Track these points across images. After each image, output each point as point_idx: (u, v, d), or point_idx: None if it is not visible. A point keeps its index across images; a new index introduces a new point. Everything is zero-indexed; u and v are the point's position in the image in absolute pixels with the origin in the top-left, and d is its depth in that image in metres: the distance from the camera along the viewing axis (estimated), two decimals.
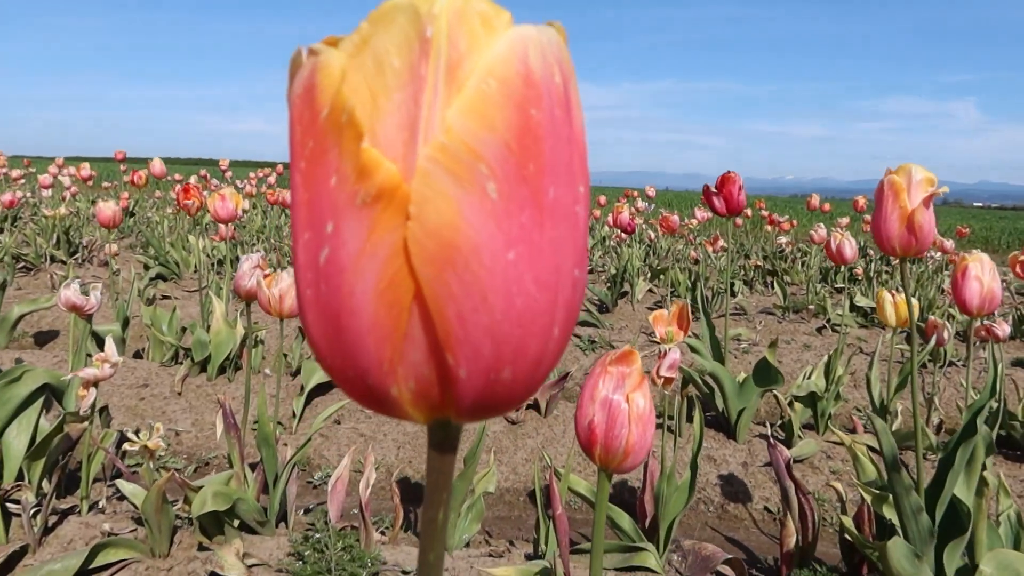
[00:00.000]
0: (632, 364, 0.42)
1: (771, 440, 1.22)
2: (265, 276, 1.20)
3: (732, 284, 4.17)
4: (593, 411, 0.41)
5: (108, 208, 1.94)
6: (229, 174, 7.87)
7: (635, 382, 0.41)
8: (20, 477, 1.23)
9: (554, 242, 0.17)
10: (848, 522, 1.11)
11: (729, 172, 1.66)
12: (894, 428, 1.83)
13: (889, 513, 1.05)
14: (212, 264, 3.64)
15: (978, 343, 2.88)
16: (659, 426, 1.79)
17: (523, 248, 0.16)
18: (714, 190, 1.70)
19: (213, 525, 1.14)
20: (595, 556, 0.43)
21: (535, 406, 1.99)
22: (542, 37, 0.16)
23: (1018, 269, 1.55)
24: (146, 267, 3.49)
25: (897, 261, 3.58)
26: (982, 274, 1.16)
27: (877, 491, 1.06)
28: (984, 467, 1.38)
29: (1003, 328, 1.98)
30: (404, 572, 1.16)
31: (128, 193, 5.56)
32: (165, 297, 3.09)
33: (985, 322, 1.98)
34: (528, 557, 1.30)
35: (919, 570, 0.98)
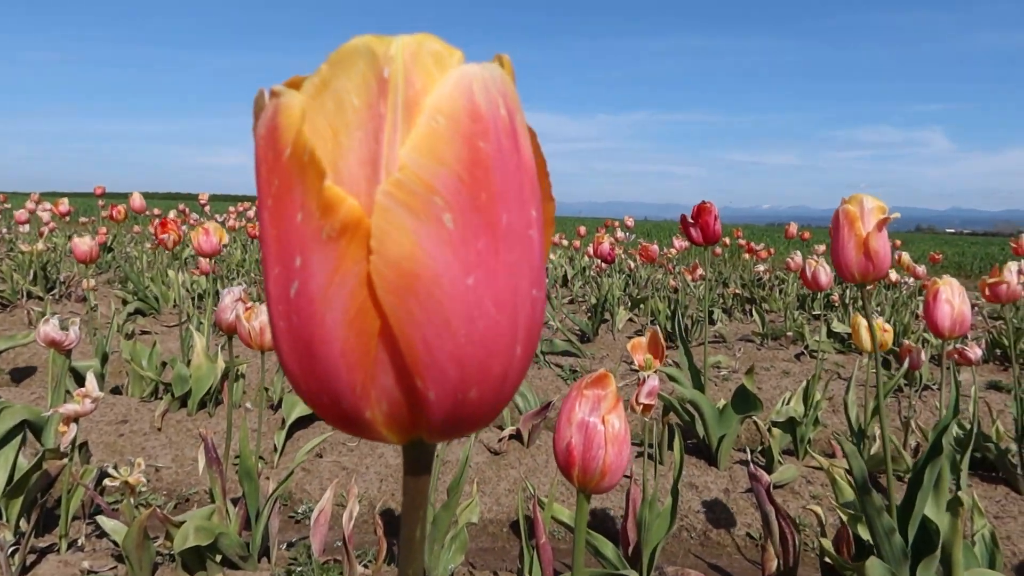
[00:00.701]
0: (607, 387, 0.43)
1: (751, 467, 1.24)
2: (246, 309, 1.21)
3: (711, 312, 4.21)
4: (570, 433, 0.42)
5: (84, 243, 1.93)
6: (208, 208, 7.86)
7: (610, 404, 0.42)
8: None
9: (510, 265, 0.18)
10: (827, 544, 1.12)
11: (704, 202, 1.69)
12: (872, 451, 1.85)
13: (865, 534, 1.07)
14: (192, 298, 3.63)
15: (952, 366, 2.93)
16: (640, 454, 1.80)
17: (481, 273, 0.17)
18: (691, 220, 1.73)
19: (195, 561, 1.13)
20: (576, 572, 0.44)
21: (518, 436, 2.00)
22: (486, 73, 0.17)
23: (987, 292, 1.59)
24: (124, 302, 3.47)
25: (870, 287, 3.63)
26: (952, 297, 1.19)
27: (853, 512, 1.08)
28: (958, 487, 1.40)
29: (975, 351, 2.01)
30: None
31: (106, 228, 5.54)
32: (144, 332, 3.07)
33: (957, 345, 2.01)
34: None
35: None
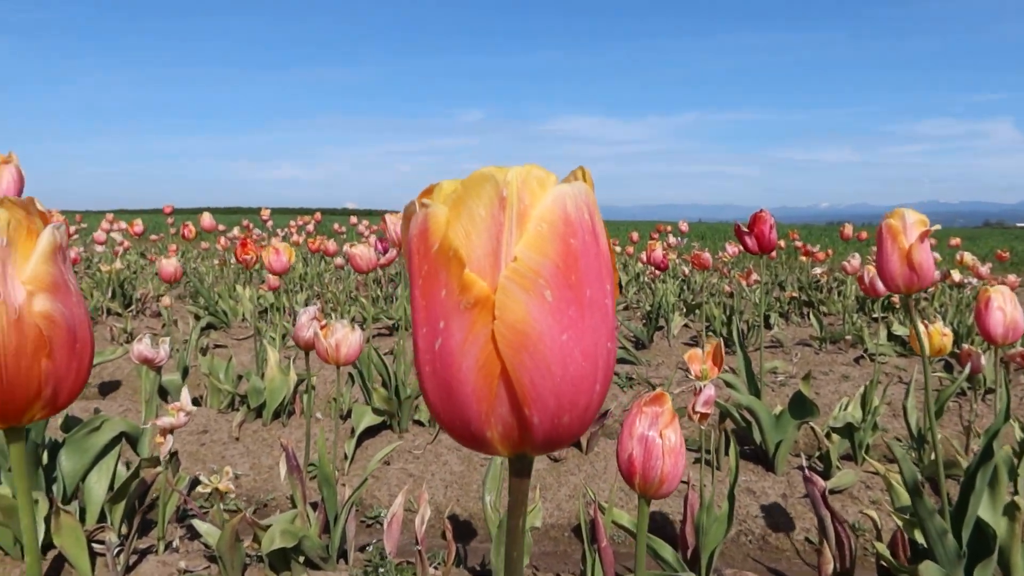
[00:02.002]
0: (664, 404, 0.49)
1: (806, 471, 1.27)
2: (322, 327, 1.30)
3: (767, 316, 4.20)
4: (632, 446, 0.48)
5: (170, 264, 2.06)
6: (270, 223, 8.10)
7: (667, 420, 0.48)
8: (102, 519, 1.32)
9: (592, 326, 0.25)
10: (882, 548, 1.15)
11: (761, 211, 1.72)
12: (933, 456, 1.85)
13: (921, 539, 1.09)
14: (260, 312, 3.77)
15: (1014, 368, 2.88)
16: (697, 460, 1.84)
17: (572, 332, 0.25)
18: (745, 230, 1.76)
19: (281, 561, 1.22)
20: (638, 570, 0.50)
21: (577, 444, 2.05)
22: (574, 190, 0.25)
23: None
24: (196, 317, 3.62)
25: (934, 289, 3.57)
26: (1004, 304, 1.21)
27: (908, 517, 1.11)
28: (1016, 491, 1.41)
29: None
30: None
31: (176, 245, 5.77)
32: (218, 346, 3.22)
33: (1020, 348, 2.00)
34: None
35: None
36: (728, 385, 1.98)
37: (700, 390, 1.14)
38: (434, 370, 0.25)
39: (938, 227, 1.02)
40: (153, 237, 7.96)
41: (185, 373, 2.29)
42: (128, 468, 1.41)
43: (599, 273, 0.26)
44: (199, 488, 1.22)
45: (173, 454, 1.31)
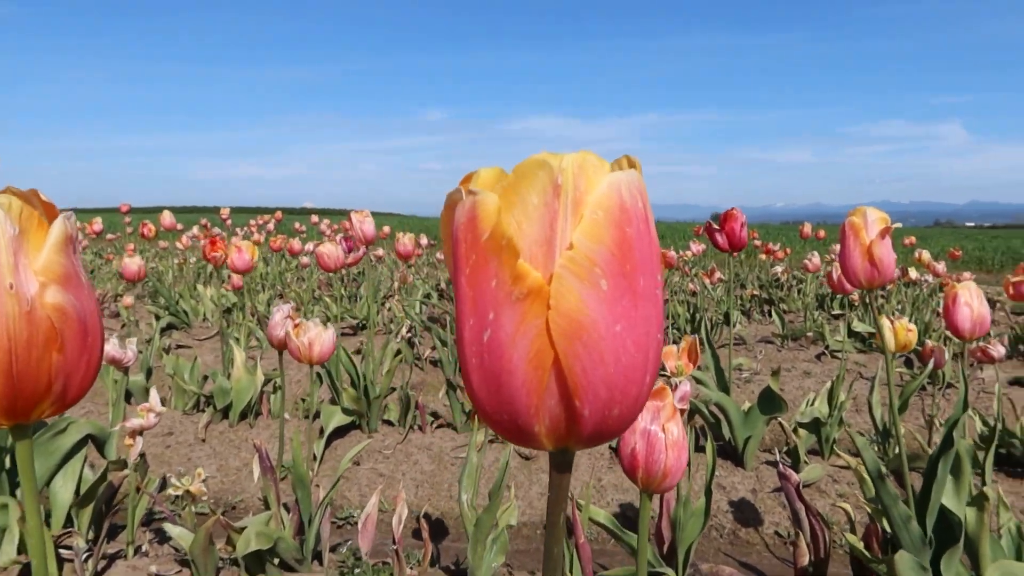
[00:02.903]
0: (665, 398, 0.49)
1: (780, 466, 1.29)
2: (295, 326, 1.28)
3: (730, 314, 4.25)
4: (634, 440, 0.48)
5: (133, 263, 2.02)
6: (230, 222, 7.97)
7: (669, 414, 0.48)
8: (68, 523, 1.28)
9: (645, 317, 0.25)
10: (854, 540, 1.17)
11: (732, 209, 1.74)
12: (898, 450, 1.89)
13: (888, 526, 1.12)
14: (222, 312, 3.71)
15: (975, 364, 2.96)
16: None
17: (625, 322, 0.24)
18: (716, 227, 1.78)
19: (256, 564, 1.20)
20: (640, 566, 0.50)
21: None
22: (629, 178, 0.24)
23: (1011, 291, 1.62)
24: (157, 317, 3.55)
25: (891, 287, 3.65)
26: (971, 300, 1.24)
27: (877, 507, 1.13)
28: (984, 482, 1.44)
29: (998, 349, 2.05)
30: None
31: (134, 244, 5.65)
32: (180, 346, 3.15)
33: (980, 344, 2.05)
34: None
35: None
36: (698, 382, 2.00)
37: (676, 386, 1.14)
38: (482, 363, 0.25)
39: (898, 225, 1.04)
40: (110, 236, 7.79)
41: (149, 374, 2.25)
42: (95, 471, 1.37)
43: (651, 263, 0.25)
44: (169, 490, 1.20)
45: (141, 456, 1.28)
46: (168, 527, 1.19)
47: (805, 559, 1.24)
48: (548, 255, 0.23)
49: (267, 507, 1.28)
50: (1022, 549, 1.23)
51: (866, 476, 1.26)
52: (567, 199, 0.23)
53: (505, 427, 0.26)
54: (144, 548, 1.33)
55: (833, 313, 4.56)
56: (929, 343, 2.09)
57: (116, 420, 1.61)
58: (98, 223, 4.52)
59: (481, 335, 0.24)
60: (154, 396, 1.19)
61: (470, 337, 0.25)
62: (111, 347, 1.33)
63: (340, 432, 2.12)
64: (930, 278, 4.68)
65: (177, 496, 1.21)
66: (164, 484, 1.63)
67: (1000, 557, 1.18)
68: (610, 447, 2.06)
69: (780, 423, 1.97)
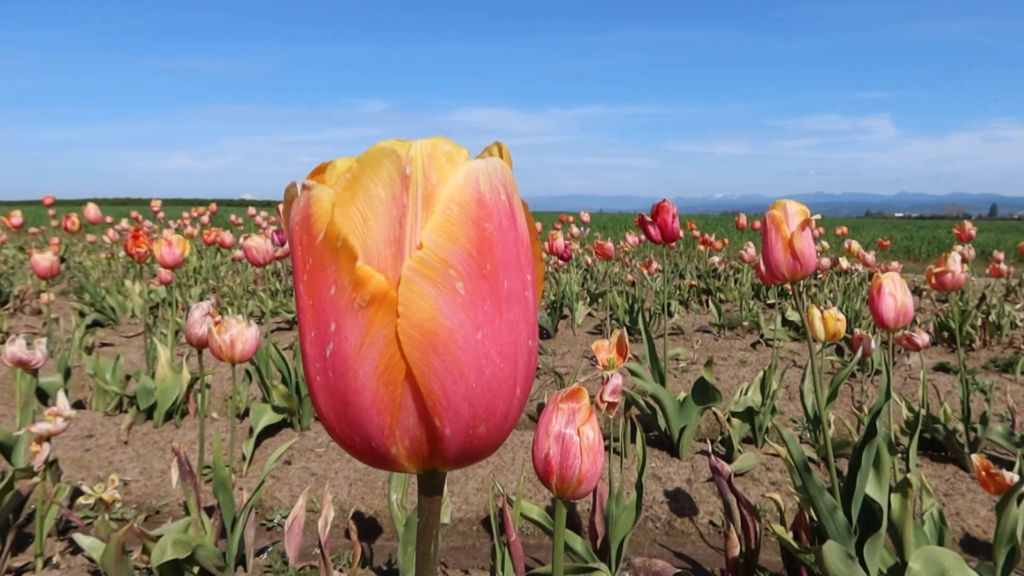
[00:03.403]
0: (581, 400, 0.47)
1: (712, 458, 1.29)
2: (216, 323, 1.22)
3: (668, 304, 4.29)
4: (548, 445, 0.46)
5: (45, 259, 1.91)
6: (161, 215, 7.73)
7: (584, 416, 0.46)
8: None
9: (511, 322, 0.22)
10: (781, 531, 1.18)
11: (664, 201, 1.73)
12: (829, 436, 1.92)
13: (816, 515, 1.13)
14: (151, 308, 3.58)
15: (902, 351, 3.04)
16: (605, 448, 1.85)
17: (488, 329, 0.21)
18: (649, 219, 1.77)
19: (173, 573, 1.14)
20: (556, 572, 0.47)
21: None
22: (489, 167, 0.21)
23: (933, 281, 1.66)
24: (81, 314, 3.42)
25: (823, 276, 3.72)
26: (895, 290, 1.26)
27: (805, 496, 1.14)
28: (908, 468, 1.47)
29: (922, 337, 2.10)
30: None
31: (59, 238, 5.42)
32: (105, 344, 3.03)
33: (906, 332, 2.10)
34: None
35: (853, 570, 1.05)
36: (633, 373, 2.00)
37: (607, 380, 1.13)
38: (327, 380, 0.22)
39: (818, 216, 1.05)
40: (33, 230, 7.48)
41: (67, 374, 2.15)
42: (2, 479, 1.30)
43: (518, 262, 0.22)
44: (81, 499, 1.13)
45: (52, 462, 1.21)
46: (79, 537, 1.12)
47: (736, 550, 1.24)
48: (398, 255, 0.21)
49: (188, 513, 1.23)
50: (944, 534, 1.26)
51: (794, 467, 1.27)
52: (417, 192, 0.21)
53: (360, 450, 0.23)
54: (55, 560, 1.27)
55: (768, 302, 4.65)
56: (859, 331, 2.13)
57: (24, 425, 1.53)
58: (17, 216, 4.32)
59: (324, 349, 0.21)
60: (62, 399, 1.13)
61: (312, 352, 0.22)
62: (17, 348, 1.25)
63: (271, 431, 2.06)
64: (860, 267, 4.80)
65: (91, 504, 1.15)
66: (79, 491, 1.55)
67: (923, 543, 1.21)
68: None
69: (715, 413, 1.98)
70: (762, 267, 2.08)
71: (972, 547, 1.59)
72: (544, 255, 6.41)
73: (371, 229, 0.21)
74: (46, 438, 1.13)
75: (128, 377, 2.24)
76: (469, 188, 0.21)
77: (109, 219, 7.07)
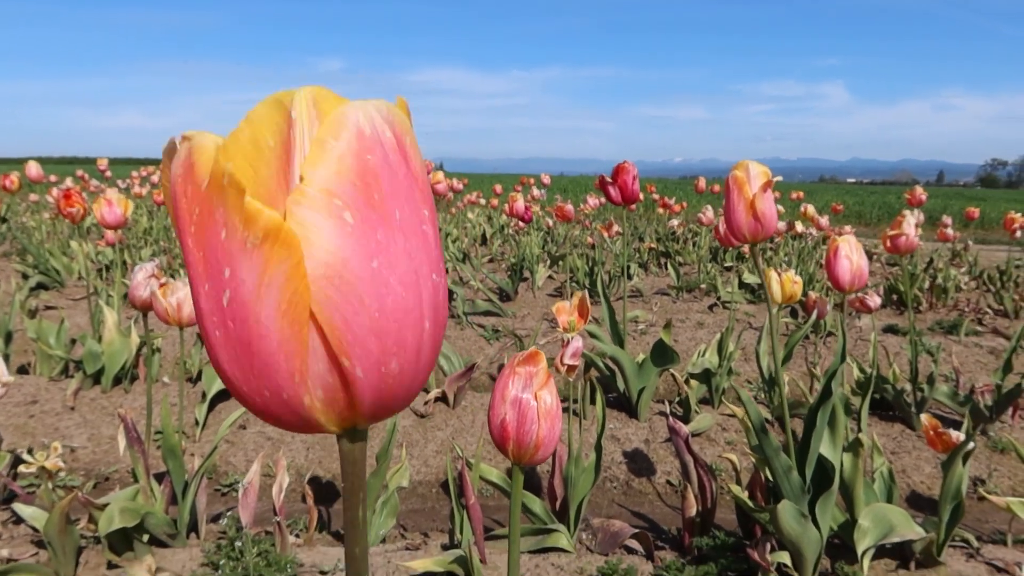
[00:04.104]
0: (538, 364, 0.45)
1: (670, 419, 1.30)
2: (161, 286, 1.18)
3: (628, 267, 4.31)
4: (504, 410, 0.44)
5: None
6: (109, 174, 7.50)
7: (542, 381, 0.44)
8: None
9: (408, 252, 0.22)
10: (738, 490, 1.19)
11: (624, 163, 1.72)
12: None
13: (771, 475, 1.14)
14: (99, 270, 3.48)
15: (853, 313, 3.09)
16: (564, 410, 1.85)
17: (383, 258, 0.21)
18: (609, 180, 1.76)
19: (121, 542, 1.11)
20: (512, 543, 0.46)
21: (443, 399, 2.02)
22: (370, 106, 0.21)
23: (888, 244, 1.68)
24: (24, 276, 3.30)
25: (779, 239, 3.75)
26: (851, 253, 1.26)
27: (761, 456, 1.15)
28: (860, 428, 1.50)
29: (874, 299, 2.13)
30: (322, 572, 1.17)
31: None
32: (49, 307, 2.94)
33: (858, 295, 2.13)
34: (444, 547, 1.33)
35: (805, 528, 1.06)
36: (592, 336, 2.00)
37: (567, 342, 1.12)
38: (227, 332, 0.21)
39: (779, 178, 1.04)
40: None
41: (8, 338, 2.08)
42: None
43: (411, 196, 0.22)
44: (23, 467, 1.09)
45: None
46: (19, 507, 1.09)
47: (693, 510, 1.25)
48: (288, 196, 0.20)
49: (136, 480, 1.20)
50: (893, 491, 1.29)
51: (750, 428, 1.28)
52: (303, 135, 0.20)
53: (272, 407, 0.22)
54: None
55: (725, 265, 4.69)
56: (812, 294, 2.16)
57: None
58: None
59: (220, 300, 0.21)
60: (0, 365, 1.08)
61: (208, 306, 0.21)
62: None
63: (225, 395, 2.02)
64: (814, 231, 4.86)
65: (34, 473, 1.11)
66: (19, 460, 1.51)
67: (873, 500, 1.23)
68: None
69: (672, 374, 2.00)
70: (722, 229, 2.09)
71: (917, 503, 1.63)
72: (504, 217, 6.39)
73: (260, 175, 0.20)
74: None
75: (73, 341, 2.18)
76: (348, 123, 0.20)
77: (54, 178, 6.83)
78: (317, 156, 0.20)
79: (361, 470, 0.24)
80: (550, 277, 4.31)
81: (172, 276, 1.84)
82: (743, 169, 0.95)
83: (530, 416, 0.43)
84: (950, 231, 4.06)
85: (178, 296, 1.14)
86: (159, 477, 1.29)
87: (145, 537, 1.14)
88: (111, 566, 1.11)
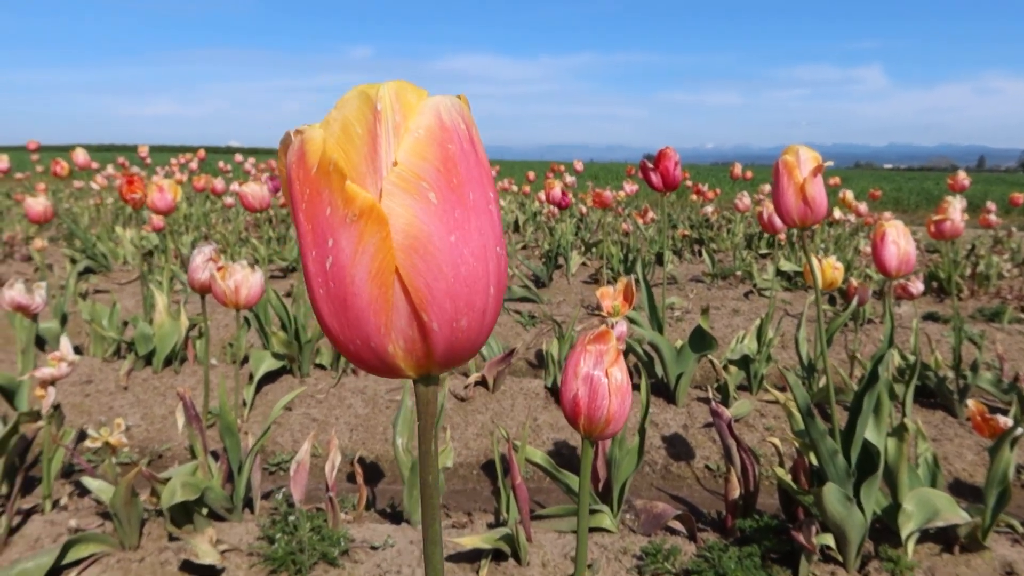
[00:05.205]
0: (608, 342, 0.47)
1: (713, 403, 1.31)
2: (219, 268, 1.22)
3: (661, 254, 4.30)
4: (576, 386, 0.46)
5: (38, 204, 1.89)
6: (149, 161, 7.62)
7: (612, 358, 0.46)
8: None
9: (479, 228, 0.26)
10: (782, 473, 1.20)
11: (666, 148, 1.72)
12: (822, 384, 1.95)
13: (815, 459, 1.15)
14: (144, 255, 3.56)
15: (893, 300, 3.06)
16: None
17: (459, 233, 0.25)
18: (651, 166, 1.76)
19: (182, 515, 1.16)
20: (581, 514, 0.48)
21: (483, 383, 2.05)
22: (447, 101, 0.25)
23: (932, 229, 1.67)
24: (73, 261, 3.39)
25: (816, 226, 3.72)
26: (898, 239, 1.26)
27: (805, 441, 1.16)
28: (904, 414, 1.50)
29: (917, 286, 2.12)
30: (373, 547, 1.21)
31: (45, 184, 5.34)
32: (98, 291, 3.02)
33: (901, 281, 2.11)
34: (489, 526, 1.36)
35: (850, 511, 1.08)
36: (632, 321, 2.02)
37: (612, 326, 1.14)
38: (328, 290, 0.26)
39: (831, 163, 1.04)
40: (19, 175, 7.36)
41: (64, 320, 2.14)
42: (5, 423, 1.30)
43: (480, 180, 0.26)
44: (87, 442, 1.14)
45: (56, 407, 1.21)
46: (87, 480, 1.14)
47: (736, 492, 1.26)
48: (376, 178, 0.24)
49: (194, 456, 1.24)
50: (937, 477, 1.29)
51: (795, 412, 1.29)
52: (388, 124, 0.24)
53: (362, 353, 0.26)
54: (63, 502, 1.28)
55: (760, 253, 4.66)
56: (854, 281, 2.15)
57: (26, 370, 1.53)
58: (3, 160, 4.23)
59: (324, 263, 0.25)
60: (65, 343, 1.12)
61: (315, 269, 0.26)
62: (16, 293, 1.25)
63: (270, 377, 2.07)
64: (852, 218, 4.80)
65: (97, 448, 1.15)
66: (83, 435, 1.56)
67: (917, 485, 1.24)
68: (546, 387, 2.07)
69: (711, 360, 2.00)
70: (764, 215, 2.08)
71: (959, 490, 1.63)
72: (537, 203, 6.40)
73: (352, 160, 0.24)
74: (50, 382, 1.13)
75: (125, 323, 2.24)
76: (433, 115, 0.24)
77: (96, 165, 6.97)
78: (408, 145, 0.24)
79: (434, 409, 0.28)
80: (583, 264, 4.31)
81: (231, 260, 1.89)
82: (793, 153, 0.96)
83: (601, 392, 0.45)
84: (993, 217, 3.99)
85: (235, 279, 1.18)
86: (213, 455, 1.34)
87: (204, 511, 1.19)
88: (172, 538, 1.15)
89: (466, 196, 0.25)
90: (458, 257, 0.25)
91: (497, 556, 1.19)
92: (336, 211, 0.24)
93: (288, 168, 0.26)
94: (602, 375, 0.46)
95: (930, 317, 3.05)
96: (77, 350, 2.28)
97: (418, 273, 0.24)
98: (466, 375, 2.11)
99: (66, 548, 1.04)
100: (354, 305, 0.25)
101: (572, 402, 0.46)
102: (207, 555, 1.05)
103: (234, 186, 4.30)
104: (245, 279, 1.19)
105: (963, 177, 3.97)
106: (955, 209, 1.56)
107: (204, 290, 1.23)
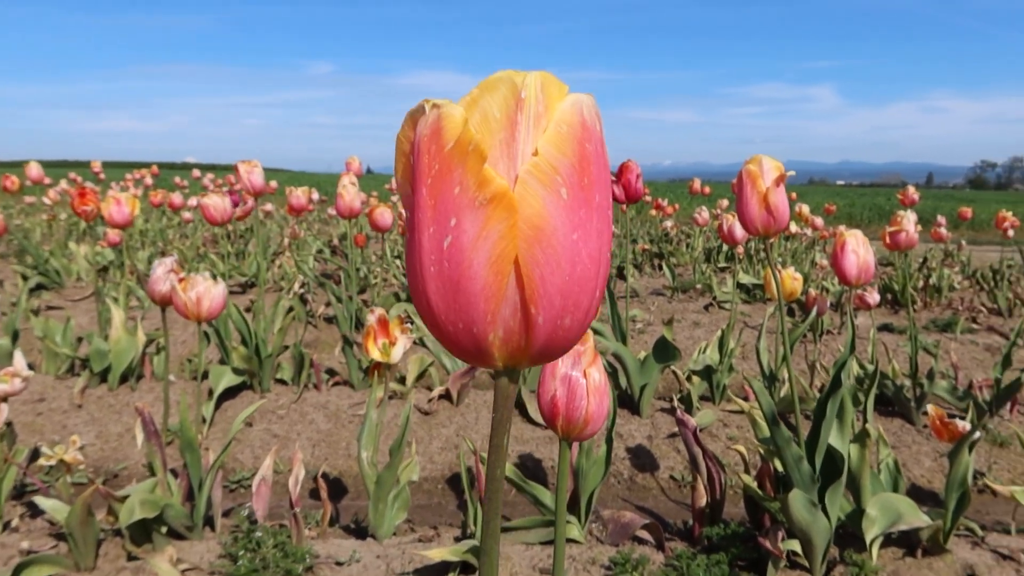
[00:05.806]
0: (586, 343, 0.47)
1: (678, 412, 1.32)
2: (180, 280, 1.19)
3: (622, 268, 4.34)
4: (555, 386, 0.46)
5: None
6: (103, 176, 7.47)
7: (590, 359, 0.46)
8: None
9: (598, 230, 0.26)
10: (749, 480, 1.21)
11: (628, 161, 1.74)
12: (783, 393, 1.97)
13: (780, 466, 1.16)
14: (98, 271, 3.47)
15: (851, 310, 3.13)
16: None
17: (581, 232, 0.25)
18: (613, 178, 1.77)
19: (140, 534, 1.13)
20: (559, 519, 0.48)
21: (447, 396, 2.04)
22: (587, 100, 0.25)
23: (887, 240, 1.70)
24: (24, 277, 3.30)
25: (772, 240, 3.80)
26: (858, 248, 1.29)
27: (769, 448, 1.17)
28: (866, 421, 1.52)
29: (873, 296, 2.17)
30: (338, 563, 1.19)
31: None
32: (51, 307, 2.94)
33: (858, 292, 2.16)
34: (456, 539, 1.34)
35: (816, 517, 1.09)
36: (596, 332, 2.02)
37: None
38: (441, 270, 0.25)
39: (792, 173, 1.06)
40: None
41: (15, 337, 2.08)
42: None
43: (605, 182, 0.26)
44: (41, 460, 1.11)
45: (8, 425, 1.18)
46: (40, 500, 1.10)
47: (703, 501, 1.27)
48: (510, 166, 0.24)
49: (152, 474, 1.21)
50: (899, 482, 1.31)
51: (760, 420, 1.30)
52: (529, 113, 0.24)
53: (459, 337, 0.26)
54: (14, 523, 1.24)
55: (719, 266, 4.72)
56: (812, 291, 2.18)
57: None
58: None
59: (442, 242, 0.25)
60: (19, 359, 1.09)
61: (429, 245, 0.25)
62: None
63: (231, 393, 2.03)
64: (808, 232, 4.90)
65: (51, 467, 1.12)
66: (36, 454, 1.51)
67: (879, 490, 1.25)
68: None
69: (674, 371, 2.02)
70: (724, 227, 2.11)
71: (917, 496, 1.66)
72: None
73: (485, 141, 0.24)
74: (3, 399, 1.10)
75: (79, 340, 2.18)
76: (576, 113, 0.24)
77: (47, 181, 6.81)
78: (550, 137, 0.24)
79: (511, 403, 0.28)
80: None
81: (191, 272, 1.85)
82: (757, 163, 0.97)
83: (579, 392, 0.45)
84: (944, 231, 4.10)
85: (198, 290, 1.16)
86: (172, 472, 1.30)
87: (164, 529, 1.16)
88: (131, 558, 1.12)
89: (592, 197, 0.25)
90: (576, 255, 0.25)
91: (465, 569, 1.18)
92: (466, 192, 0.24)
93: (418, 139, 0.25)
94: (580, 376, 0.46)
95: (885, 328, 3.12)
96: (29, 367, 2.21)
97: (536, 264, 0.24)
98: (430, 388, 2.10)
99: (18, 571, 1.00)
100: (466, 289, 0.25)
101: (550, 403, 0.46)
102: (167, 574, 1.02)
103: (194, 200, 4.24)
104: (207, 291, 1.17)
105: (913, 192, 4.08)
106: (909, 221, 1.60)
107: (165, 302, 1.21)
